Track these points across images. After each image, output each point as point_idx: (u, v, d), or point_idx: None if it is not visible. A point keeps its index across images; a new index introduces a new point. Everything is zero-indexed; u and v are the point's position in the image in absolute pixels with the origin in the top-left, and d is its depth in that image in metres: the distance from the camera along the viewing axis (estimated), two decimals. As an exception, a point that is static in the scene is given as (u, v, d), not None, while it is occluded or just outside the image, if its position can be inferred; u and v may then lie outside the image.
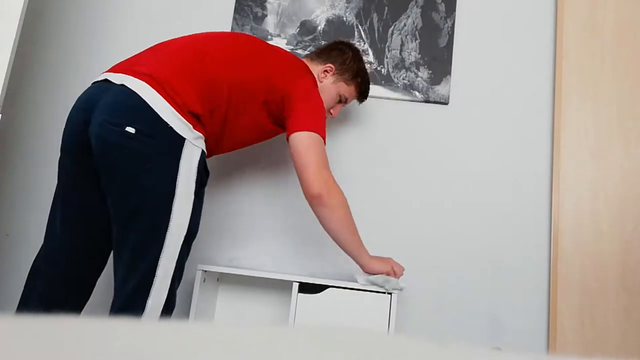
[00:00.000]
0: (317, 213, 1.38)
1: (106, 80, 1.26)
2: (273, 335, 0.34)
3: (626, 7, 1.93)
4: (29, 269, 1.33)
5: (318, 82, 1.54)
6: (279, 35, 1.94)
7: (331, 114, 1.63)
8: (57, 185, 1.33)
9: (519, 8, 1.96)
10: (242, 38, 1.49)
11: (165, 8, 1.96)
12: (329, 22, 1.95)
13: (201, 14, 1.96)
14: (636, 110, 1.86)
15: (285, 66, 1.45)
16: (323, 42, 1.94)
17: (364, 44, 1.93)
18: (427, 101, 1.89)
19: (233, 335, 0.34)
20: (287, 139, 1.39)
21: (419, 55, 1.92)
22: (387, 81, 1.90)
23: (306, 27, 1.95)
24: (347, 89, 1.60)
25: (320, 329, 0.35)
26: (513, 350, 1.69)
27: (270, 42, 1.92)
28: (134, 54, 1.38)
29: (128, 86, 1.20)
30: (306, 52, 1.92)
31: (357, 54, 1.63)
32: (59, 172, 1.32)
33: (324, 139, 1.39)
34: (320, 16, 1.95)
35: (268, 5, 1.96)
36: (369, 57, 1.92)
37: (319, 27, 1.95)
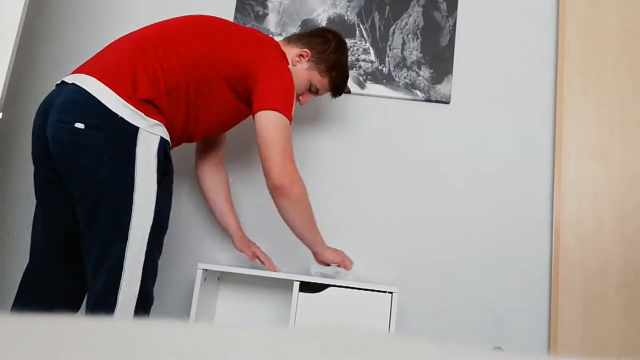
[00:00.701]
0: (276, 203, 1.35)
1: (63, 82, 1.27)
2: (273, 335, 0.34)
3: (628, 8, 1.92)
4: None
5: (290, 65, 1.47)
6: (280, 34, 1.93)
7: (300, 101, 1.55)
8: (36, 197, 1.33)
9: (521, 7, 1.96)
10: (202, 19, 1.44)
11: (167, 7, 1.96)
12: (330, 20, 1.95)
13: (203, 13, 1.96)
14: (638, 110, 1.85)
15: (251, 42, 1.40)
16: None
17: (365, 42, 1.93)
18: (428, 100, 1.89)
19: (234, 336, 0.33)
20: (253, 116, 1.33)
21: (421, 54, 1.92)
22: (388, 80, 1.90)
23: (307, 26, 1.94)
24: (320, 80, 1.52)
25: (321, 329, 0.35)
26: (514, 350, 1.69)
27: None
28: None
29: (77, 84, 1.21)
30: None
31: (340, 47, 1.55)
32: (34, 183, 1.32)
33: (290, 122, 1.34)
34: (321, 15, 1.95)
35: (269, 4, 1.96)
36: (371, 56, 1.92)
37: (320, 26, 1.94)
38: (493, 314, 1.74)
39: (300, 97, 1.55)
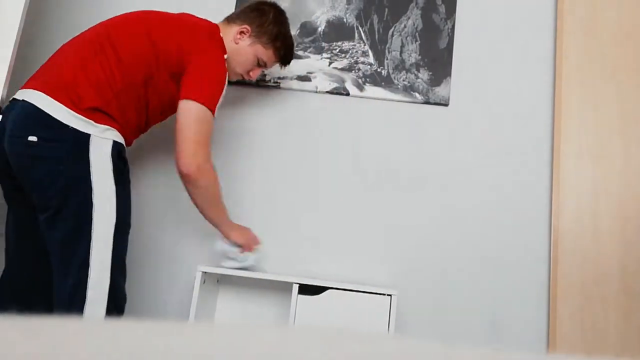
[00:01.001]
0: (185, 187, 1.39)
1: (14, 99, 1.31)
2: (273, 336, 0.34)
3: (626, 9, 1.93)
4: None
5: (233, 44, 1.49)
6: (279, 37, 1.94)
7: (250, 76, 1.58)
8: (7, 209, 1.39)
9: (519, 9, 1.96)
10: (137, 16, 1.45)
11: (166, 9, 1.96)
12: (329, 23, 1.95)
13: (202, 14, 1.96)
14: (636, 111, 1.86)
15: (187, 33, 1.41)
16: (324, 44, 1.94)
17: (364, 45, 1.93)
18: (427, 102, 1.89)
19: (233, 336, 0.33)
20: (178, 102, 1.36)
21: (419, 57, 1.92)
22: (387, 82, 1.90)
23: (306, 29, 1.95)
24: (265, 53, 1.53)
25: (320, 331, 0.35)
26: (513, 352, 1.68)
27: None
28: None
29: (27, 100, 1.25)
30: (306, 54, 1.93)
31: (279, 16, 1.56)
32: (2, 191, 1.38)
33: (213, 112, 1.36)
34: (320, 17, 1.95)
35: (268, 7, 1.96)
36: (369, 59, 1.92)
37: (320, 29, 1.95)
38: (492, 316, 1.74)
39: (250, 73, 1.57)
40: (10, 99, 1.34)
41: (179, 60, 1.38)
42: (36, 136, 1.22)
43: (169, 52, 1.38)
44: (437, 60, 1.91)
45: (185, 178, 1.35)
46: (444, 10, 1.95)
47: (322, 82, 1.90)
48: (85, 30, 1.43)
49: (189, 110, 1.32)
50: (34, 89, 1.27)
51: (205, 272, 1.55)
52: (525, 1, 1.97)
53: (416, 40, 1.93)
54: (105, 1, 2.00)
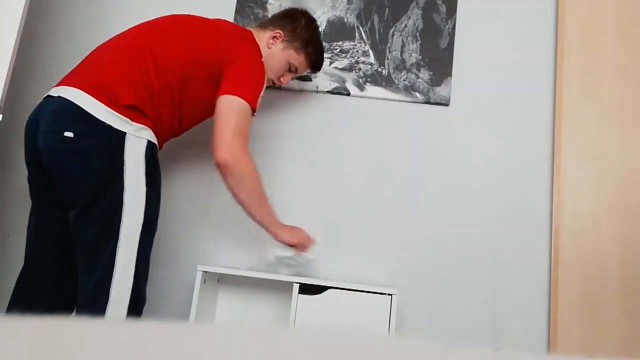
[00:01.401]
0: (225, 182, 1.35)
1: (48, 96, 1.31)
2: (273, 336, 0.34)
3: (626, 8, 1.93)
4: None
5: (266, 49, 1.50)
6: (279, 36, 1.94)
7: (281, 82, 1.60)
8: (31, 202, 1.39)
9: (520, 9, 1.96)
10: (175, 20, 1.47)
11: (166, 9, 1.96)
12: (329, 23, 1.95)
13: (202, 15, 1.96)
14: (637, 110, 1.86)
15: (225, 37, 1.42)
16: (324, 44, 1.94)
17: (365, 45, 1.93)
18: (427, 102, 1.89)
19: (233, 336, 0.34)
20: (216, 100, 1.35)
21: (420, 57, 1.92)
22: (387, 82, 1.90)
23: (307, 28, 1.95)
24: (296, 58, 1.56)
25: (320, 330, 0.35)
26: (513, 351, 1.69)
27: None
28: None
29: (63, 96, 1.26)
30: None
31: (310, 23, 1.59)
32: (29, 190, 1.38)
33: (253, 109, 1.35)
34: (321, 17, 1.95)
35: (269, 7, 1.96)
36: (370, 59, 1.92)
37: (320, 28, 1.94)
38: (492, 316, 1.74)
39: (281, 79, 1.59)
40: (45, 95, 1.33)
41: (218, 64, 1.38)
42: (72, 132, 1.21)
43: (208, 55, 1.38)
44: (438, 60, 1.91)
45: (222, 169, 1.31)
46: (445, 10, 1.95)
47: (323, 82, 1.90)
48: (122, 33, 1.44)
49: (230, 103, 1.32)
50: (70, 86, 1.27)
51: (206, 272, 1.55)
52: (525, 1, 1.97)
53: (417, 40, 1.93)
54: (106, 1, 2.00)
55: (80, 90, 1.25)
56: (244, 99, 1.32)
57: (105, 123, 1.23)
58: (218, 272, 1.57)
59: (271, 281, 1.65)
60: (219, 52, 1.39)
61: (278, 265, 1.51)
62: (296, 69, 1.59)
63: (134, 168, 1.26)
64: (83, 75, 1.31)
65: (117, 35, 1.44)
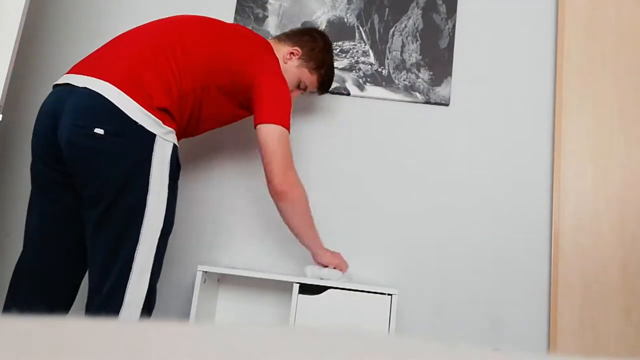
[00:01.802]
0: (278, 207, 1.43)
1: (68, 85, 1.24)
2: (273, 336, 0.34)
3: (627, 9, 1.93)
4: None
5: (282, 63, 1.52)
6: (279, 36, 1.94)
7: None
8: (32, 192, 1.33)
9: (520, 9, 1.96)
10: (203, 21, 1.46)
11: (167, 10, 1.96)
12: (329, 23, 1.95)
13: (202, 14, 1.96)
14: (637, 111, 1.86)
15: (250, 48, 1.44)
16: (324, 43, 1.94)
17: (365, 45, 1.93)
18: (427, 102, 1.89)
19: (233, 336, 0.33)
20: (255, 127, 1.39)
21: (420, 57, 1.92)
22: (387, 82, 1.90)
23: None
24: (309, 77, 1.58)
25: (320, 330, 0.35)
26: (513, 351, 1.68)
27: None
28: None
29: (91, 88, 1.20)
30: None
31: (327, 46, 1.62)
32: (32, 179, 1.32)
33: (289, 130, 1.40)
34: (321, 17, 1.95)
35: (269, 7, 1.96)
36: (370, 59, 1.92)
37: (320, 29, 1.95)
38: (492, 316, 1.74)
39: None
40: (62, 82, 1.26)
41: (243, 70, 1.40)
42: (103, 129, 1.17)
43: (236, 61, 1.40)
44: (438, 60, 1.91)
45: (279, 196, 1.39)
46: (445, 10, 1.95)
47: (323, 82, 1.90)
48: (146, 25, 1.41)
49: (269, 133, 1.36)
50: (98, 77, 1.21)
51: (206, 272, 1.55)
52: (525, 1, 1.97)
53: (417, 40, 1.93)
54: (106, 0, 2.00)
55: (110, 85, 1.20)
56: (282, 125, 1.37)
57: (137, 123, 1.20)
58: (218, 272, 1.57)
59: (271, 281, 1.65)
60: (247, 63, 1.41)
61: (312, 278, 1.55)
62: (305, 87, 1.61)
63: (160, 171, 1.25)
64: (110, 68, 1.24)
65: (139, 27, 1.40)
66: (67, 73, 1.30)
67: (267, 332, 0.35)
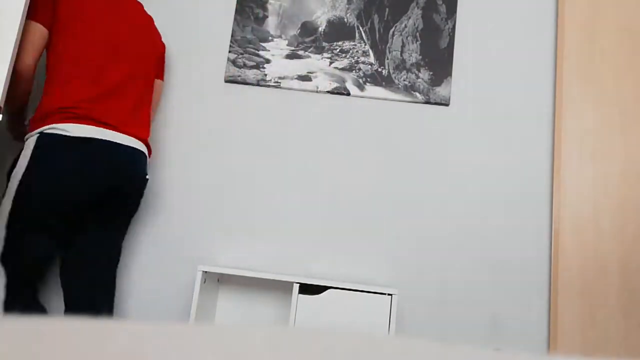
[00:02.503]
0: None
1: (108, 141, 1.46)
2: (273, 336, 0.34)
3: (626, 9, 1.93)
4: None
5: None
6: (279, 36, 1.94)
7: None
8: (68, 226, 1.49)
9: (520, 9, 1.96)
10: (138, 20, 1.63)
11: (167, 10, 1.96)
12: (329, 23, 1.95)
13: (203, 15, 1.96)
14: (637, 111, 1.86)
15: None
16: (324, 44, 1.95)
17: (365, 45, 1.93)
18: (427, 102, 1.89)
19: (233, 336, 0.33)
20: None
21: (420, 57, 1.92)
22: (388, 82, 1.90)
23: (307, 28, 1.95)
24: None
25: (320, 330, 0.35)
26: (513, 351, 1.68)
27: (271, 43, 1.93)
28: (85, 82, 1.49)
29: (134, 147, 1.50)
30: (307, 53, 1.93)
31: None
32: (70, 212, 1.43)
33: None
34: (321, 17, 1.95)
35: (269, 7, 1.96)
36: (370, 59, 1.92)
37: (320, 28, 1.95)
38: (492, 316, 1.74)
39: None
40: (100, 138, 1.42)
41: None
42: (147, 173, 1.62)
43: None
44: (438, 60, 1.91)
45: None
46: (445, 10, 1.95)
47: (323, 82, 1.90)
48: (118, 37, 1.54)
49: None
50: (128, 134, 1.49)
51: (206, 272, 1.55)
52: (525, 2, 1.97)
53: (417, 40, 1.93)
54: (106, 1, 1.99)
55: (137, 141, 1.52)
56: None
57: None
58: (218, 272, 1.57)
59: (271, 281, 1.64)
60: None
61: None
62: None
63: None
64: (134, 124, 1.53)
65: (114, 41, 1.53)
66: (98, 124, 1.43)
67: (267, 332, 0.35)
